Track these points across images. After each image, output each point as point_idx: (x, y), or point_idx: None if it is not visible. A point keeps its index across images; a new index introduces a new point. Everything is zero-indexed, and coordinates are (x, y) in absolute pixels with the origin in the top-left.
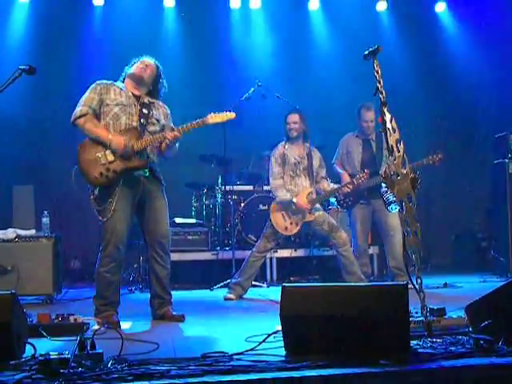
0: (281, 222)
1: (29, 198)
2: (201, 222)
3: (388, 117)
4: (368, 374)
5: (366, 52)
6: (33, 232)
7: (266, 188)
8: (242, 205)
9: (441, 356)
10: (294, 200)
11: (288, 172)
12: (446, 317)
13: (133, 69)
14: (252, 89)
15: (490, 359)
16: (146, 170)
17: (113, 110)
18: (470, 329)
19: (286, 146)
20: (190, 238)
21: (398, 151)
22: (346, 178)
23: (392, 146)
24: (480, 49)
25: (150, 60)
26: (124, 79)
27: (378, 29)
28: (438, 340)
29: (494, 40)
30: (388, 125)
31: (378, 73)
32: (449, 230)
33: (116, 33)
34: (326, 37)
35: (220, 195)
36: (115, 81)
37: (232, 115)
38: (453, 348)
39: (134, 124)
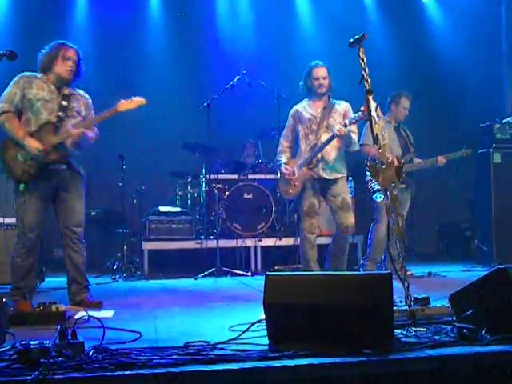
0: (283, 187)
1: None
2: (185, 210)
3: (373, 105)
4: (351, 364)
5: (352, 40)
6: (13, 220)
7: (250, 177)
8: (227, 193)
9: (424, 345)
10: (282, 167)
11: (303, 130)
12: (429, 306)
13: (59, 68)
14: (237, 76)
15: (473, 348)
16: (63, 163)
17: (35, 106)
18: (454, 318)
19: (304, 104)
20: (174, 226)
21: (383, 139)
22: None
23: (377, 135)
24: (466, 39)
25: (71, 51)
26: (44, 70)
27: (364, 17)
28: (422, 329)
29: (481, 30)
30: (373, 113)
31: (363, 61)
32: (433, 219)
33: (100, 20)
34: (312, 25)
35: (204, 184)
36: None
37: (143, 101)
38: (436, 337)
39: (53, 119)
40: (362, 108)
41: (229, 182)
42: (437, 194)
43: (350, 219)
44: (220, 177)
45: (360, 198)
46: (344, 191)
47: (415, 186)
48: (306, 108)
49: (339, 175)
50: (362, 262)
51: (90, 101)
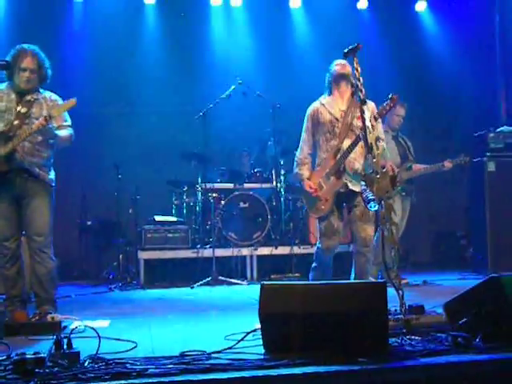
0: (311, 204)
1: None
2: (181, 219)
3: (367, 115)
4: (347, 372)
5: (346, 50)
6: None
7: (246, 186)
8: (223, 203)
9: (419, 353)
10: (305, 184)
11: (324, 134)
12: (424, 314)
13: (16, 78)
14: (233, 86)
15: (468, 356)
16: (22, 172)
17: None
18: (449, 326)
19: (324, 101)
20: (170, 235)
21: (377, 149)
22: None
23: (371, 144)
24: (461, 48)
25: (27, 60)
26: (9, 78)
27: (359, 27)
28: (417, 337)
29: (475, 40)
30: (367, 123)
31: (357, 71)
32: (428, 227)
33: (96, 28)
34: (307, 35)
35: (200, 193)
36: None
37: (73, 101)
38: (431, 345)
39: (5, 129)
40: (392, 96)
41: (225, 191)
42: (432, 202)
43: (369, 231)
44: (216, 186)
45: None
46: (362, 201)
47: (415, 193)
48: (327, 107)
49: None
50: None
51: (60, 102)
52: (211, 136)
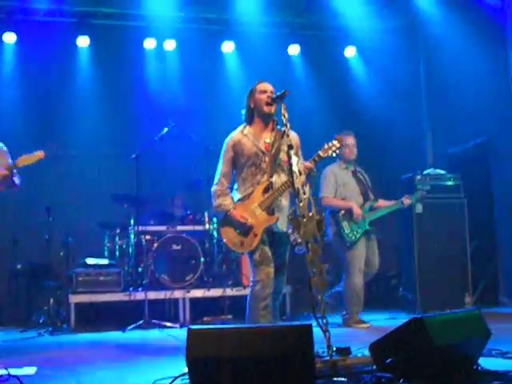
0: (237, 239)
1: None
2: (113, 262)
3: (294, 160)
4: None
5: (274, 96)
6: None
7: (179, 228)
8: (156, 245)
9: None
10: (233, 214)
11: (249, 168)
12: (351, 356)
13: None
14: (166, 128)
15: None
16: None
17: None
18: (374, 367)
19: (246, 131)
20: (101, 278)
21: (304, 193)
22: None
23: (298, 189)
24: (389, 94)
25: None
26: None
27: (291, 71)
28: (343, 379)
29: (402, 86)
30: (294, 168)
31: (284, 116)
32: None
33: (27, 69)
34: (239, 79)
35: (133, 235)
36: None
37: (41, 154)
38: None
39: None
40: (337, 136)
41: (157, 234)
42: None
43: (283, 281)
44: (149, 228)
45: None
46: (287, 251)
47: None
48: (250, 138)
49: (287, 230)
50: (343, 316)
51: (5, 149)
52: (144, 178)
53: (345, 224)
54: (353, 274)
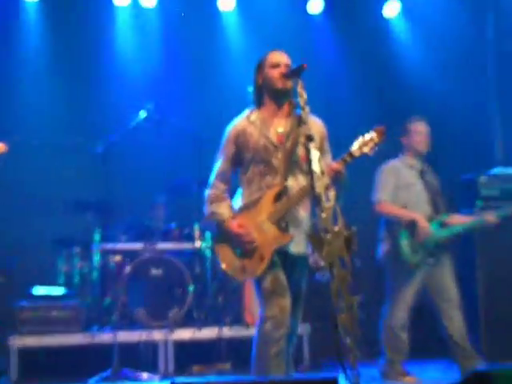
0: (235, 262)
1: None
2: (71, 292)
3: (315, 155)
4: None
5: (288, 72)
6: None
7: (160, 246)
8: (129, 269)
9: None
10: (229, 224)
11: (256, 165)
12: None
13: None
14: (143, 112)
15: None
16: None
17: None
18: None
19: (253, 118)
20: (54, 314)
21: (328, 200)
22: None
23: (320, 195)
24: (444, 66)
25: None
26: None
27: (310, 36)
28: None
29: (463, 56)
30: (315, 166)
31: (302, 97)
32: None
33: None
34: (242, 46)
35: (98, 256)
36: None
37: (2, 146)
38: None
39: None
40: (378, 127)
41: (131, 254)
42: None
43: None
44: (119, 246)
45: None
46: (305, 278)
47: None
48: (258, 126)
49: (306, 251)
50: (381, 366)
51: None
52: (114, 179)
53: (404, 241)
54: (396, 305)
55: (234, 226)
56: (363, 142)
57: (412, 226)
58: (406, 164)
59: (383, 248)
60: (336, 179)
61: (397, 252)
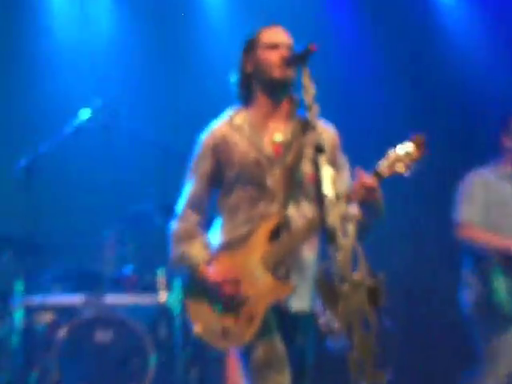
0: (207, 317)
1: None
2: None
3: (327, 173)
4: None
5: (291, 55)
6: None
7: (110, 300)
8: (64, 332)
9: None
10: (204, 271)
11: (243, 188)
12: None
13: None
14: (85, 112)
15: None
16: None
17: None
18: None
19: (238, 121)
20: None
21: (346, 236)
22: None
23: (334, 229)
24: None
25: None
26: None
27: (322, 10)
28: None
29: None
30: (327, 188)
31: (308, 92)
32: None
33: None
34: (224, 20)
35: (21, 313)
36: None
37: None
38: None
39: None
40: (417, 136)
41: (68, 311)
42: None
43: None
44: (51, 300)
45: None
46: (311, 346)
47: None
48: (246, 133)
49: (313, 307)
50: None
51: None
52: (43, 207)
53: (499, 281)
54: (492, 374)
55: (211, 272)
56: (396, 158)
57: (510, 260)
58: (501, 175)
59: (468, 295)
60: (367, 201)
61: (489, 297)
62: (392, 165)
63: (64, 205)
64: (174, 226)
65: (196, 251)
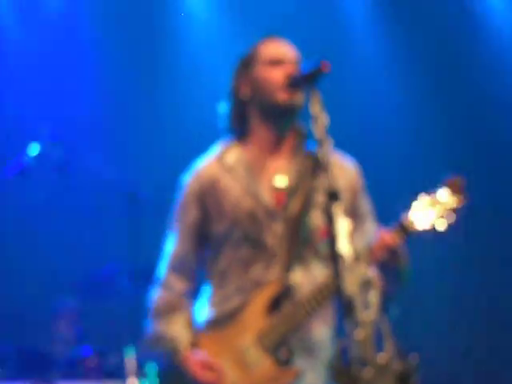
0: None
1: None
2: None
3: (343, 226)
4: None
5: (298, 75)
6: None
7: None
8: None
9: None
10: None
11: (234, 247)
12: None
13: None
14: (35, 148)
15: None
16: None
17: None
18: None
19: (231, 159)
20: None
21: (367, 307)
22: None
23: (351, 297)
24: None
25: None
26: None
27: (336, 15)
28: None
29: None
30: (343, 245)
31: (319, 121)
32: None
33: None
34: (212, 30)
35: None
36: None
37: None
38: None
39: None
40: (455, 179)
41: None
42: None
43: None
44: None
45: None
46: None
47: None
48: (240, 175)
49: None
50: None
51: None
52: None
53: None
54: None
55: (194, 362)
56: (427, 207)
57: None
58: None
59: None
60: (388, 263)
61: None
62: (422, 217)
63: (5, 268)
64: (155, 295)
65: (177, 332)
